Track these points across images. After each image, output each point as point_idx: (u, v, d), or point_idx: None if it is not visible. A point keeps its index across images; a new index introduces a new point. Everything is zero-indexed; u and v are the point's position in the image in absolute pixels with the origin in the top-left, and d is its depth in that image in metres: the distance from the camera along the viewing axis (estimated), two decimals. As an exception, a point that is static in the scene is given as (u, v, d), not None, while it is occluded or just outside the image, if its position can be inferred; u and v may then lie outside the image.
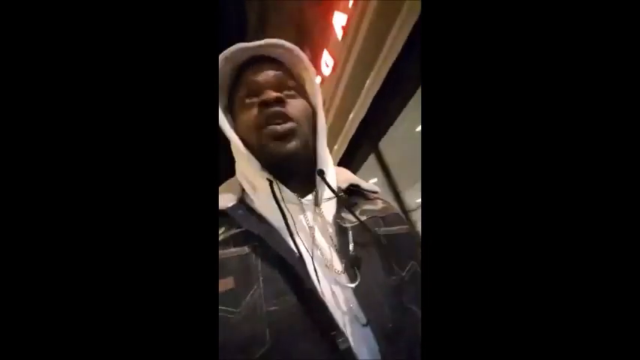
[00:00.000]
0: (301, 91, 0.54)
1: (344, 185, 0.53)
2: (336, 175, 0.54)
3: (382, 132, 2.62)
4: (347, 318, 0.40)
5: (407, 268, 0.48)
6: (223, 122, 0.50)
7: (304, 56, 0.53)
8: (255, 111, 0.48)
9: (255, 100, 0.49)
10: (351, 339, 0.39)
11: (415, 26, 1.85)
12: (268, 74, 0.51)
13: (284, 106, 0.48)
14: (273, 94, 0.48)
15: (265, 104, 0.47)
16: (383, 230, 0.51)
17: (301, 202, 0.49)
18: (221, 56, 0.50)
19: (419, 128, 2.60)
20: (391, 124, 2.50)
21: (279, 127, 0.47)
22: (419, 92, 2.08)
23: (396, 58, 2.06)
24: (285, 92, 0.51)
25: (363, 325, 0.40)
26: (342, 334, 0.38)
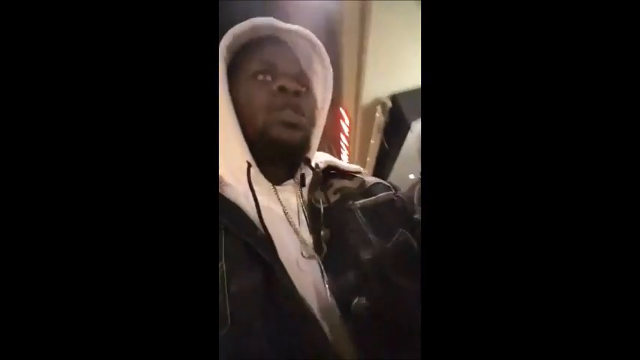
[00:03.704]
0: (311, 91, 0.54)
1: (321, 166, 0.53)
2: (315, 158, 0.55)
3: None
4: (315, 297, 0.40)
5: (393, 237, 0.46)
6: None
7: (326, 55, 0.52)
8: (268, 91, 0.47)
9: (269, 79, 0.48)
10: (318, 315, 0.38)
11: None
12: (291, 64, 0.50)
13: (301, 100, 0.48)
14: (297, 87, 0.47)
15: (284, 90, 0.46)
16: (360, 203, 0.50)
17: (275, 188, 0.49)
18: (248, 22, 0.49)
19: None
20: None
21: (291, 116, 0.47)
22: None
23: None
24: (301, 87, 0.50)
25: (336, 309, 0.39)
26: (310, 311, 0.38)
